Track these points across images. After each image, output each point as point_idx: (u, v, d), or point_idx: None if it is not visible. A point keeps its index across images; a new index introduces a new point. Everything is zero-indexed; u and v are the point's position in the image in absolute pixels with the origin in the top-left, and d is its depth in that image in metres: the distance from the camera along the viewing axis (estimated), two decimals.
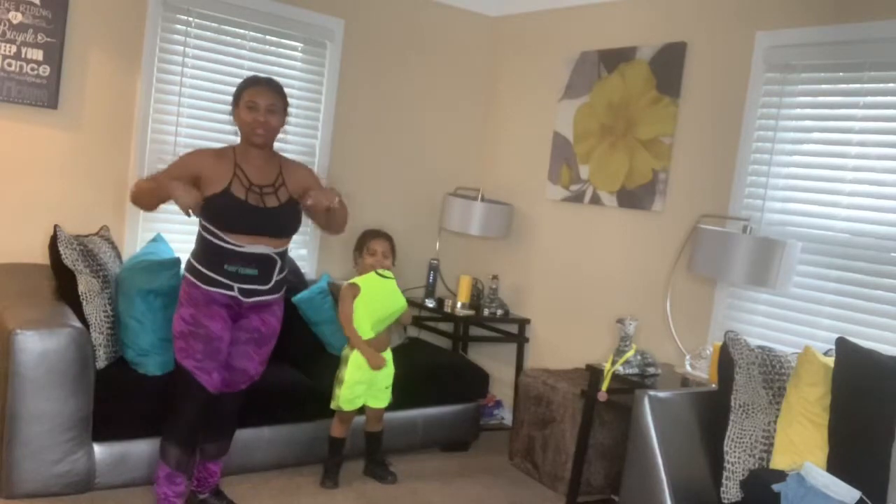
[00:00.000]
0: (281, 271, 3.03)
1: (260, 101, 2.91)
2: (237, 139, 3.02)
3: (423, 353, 4.33)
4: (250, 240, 2.89)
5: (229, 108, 3.03)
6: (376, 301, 3.54)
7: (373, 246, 3.58)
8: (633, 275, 4.20)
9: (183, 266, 3.04)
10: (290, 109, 3.06)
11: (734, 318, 3.72)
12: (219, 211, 2.86)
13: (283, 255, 3.04)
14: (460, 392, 4.19)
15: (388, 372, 3.62)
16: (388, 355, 3.62)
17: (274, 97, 2.95)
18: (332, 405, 3.55)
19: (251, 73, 3.20)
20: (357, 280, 3.55)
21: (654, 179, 4.07)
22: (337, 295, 3.92)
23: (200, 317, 2.90)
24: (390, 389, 3.64)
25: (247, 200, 2.89)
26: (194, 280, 2.93)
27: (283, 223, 2.98)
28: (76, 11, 3.78)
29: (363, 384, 3.54)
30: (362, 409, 3.61)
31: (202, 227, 2.94)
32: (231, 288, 2.91)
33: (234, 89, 3.01)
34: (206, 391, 2.93)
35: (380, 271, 3.56)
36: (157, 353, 3.31)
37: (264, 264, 2.95)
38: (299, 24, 4.39)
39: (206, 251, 2.92)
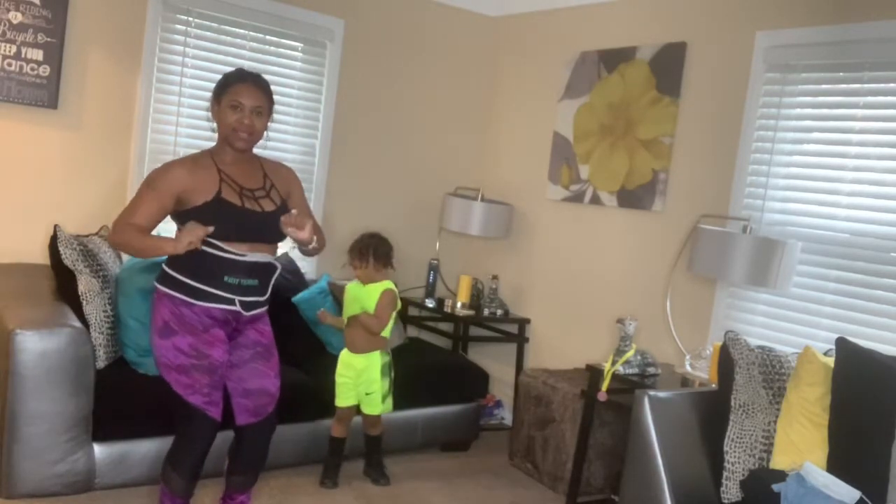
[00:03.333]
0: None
1: (246, 101, 2.64)
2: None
3: (423, 353, 4.33)
4: (250, 247, 2.65)
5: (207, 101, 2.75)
6: (350, 304, 3.61)
7: (353, 264, 3.59)
8: (633, 275, 4.19)
9: (157, 281, 2.71)
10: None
11: (734, 318, 3.72)
12: (214, 219, 2.58)
13: (278, 260, 2.86)
14: (460, 392, 4.19)
15: (369, 378, 3.55)
16: (370, 360, 3.56)
17: (261, 97, 2.68)
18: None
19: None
20: (349, 285, 3.66)
21: (654, 179, 4.07)
22: (336, 295, 3.98)
23: (201, 345, 2.63)
24: (377, 397, 3.55)
25: (243, 205, 2.65)
26: (184, 297, 2.63)
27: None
28: (76, 11, 3.78)
29: (348, 380, 3.56)
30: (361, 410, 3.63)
31: None
32: (232, 302, 2.66)
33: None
34: (217, 423, 2.70)
35: (353, 283, 3.62)
36: None
37: (264, 273, 2.73)
38: (299, 24, 4.39)
39: (198, 263, 2.62)
